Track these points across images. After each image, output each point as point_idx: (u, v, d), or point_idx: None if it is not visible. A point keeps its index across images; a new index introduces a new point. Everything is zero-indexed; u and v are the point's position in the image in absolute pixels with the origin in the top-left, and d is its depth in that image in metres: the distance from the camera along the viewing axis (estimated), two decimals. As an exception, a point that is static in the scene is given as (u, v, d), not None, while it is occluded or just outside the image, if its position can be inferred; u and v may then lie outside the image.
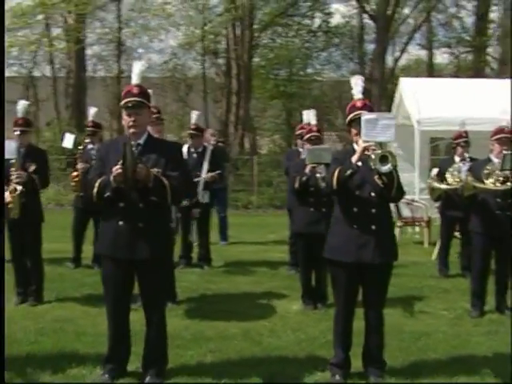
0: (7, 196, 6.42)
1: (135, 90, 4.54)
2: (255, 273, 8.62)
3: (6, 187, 6.45)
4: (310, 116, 7.23)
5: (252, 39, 25.41)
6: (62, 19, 24.89)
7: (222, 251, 10.22)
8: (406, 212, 11.40)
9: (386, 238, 4.53)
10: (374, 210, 4.45)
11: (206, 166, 8.72)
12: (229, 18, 23.89)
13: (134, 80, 4.65)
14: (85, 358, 4.96)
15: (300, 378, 4.64)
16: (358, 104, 4.56)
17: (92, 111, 8.91)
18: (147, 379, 4.54)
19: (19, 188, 6.43)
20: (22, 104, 6.80)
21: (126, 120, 4.54)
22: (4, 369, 3.45)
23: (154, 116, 6.80)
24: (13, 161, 6.46)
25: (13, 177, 6.46)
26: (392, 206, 4.95)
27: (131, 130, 4.52)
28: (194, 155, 8.80)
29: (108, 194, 4.36)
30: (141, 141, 4.55)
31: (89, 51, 27.44)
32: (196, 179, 8.35)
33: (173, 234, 4.80)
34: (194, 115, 8.90)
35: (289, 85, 28.41)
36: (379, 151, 4.12)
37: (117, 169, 4.21)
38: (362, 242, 4.44)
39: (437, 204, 8.88)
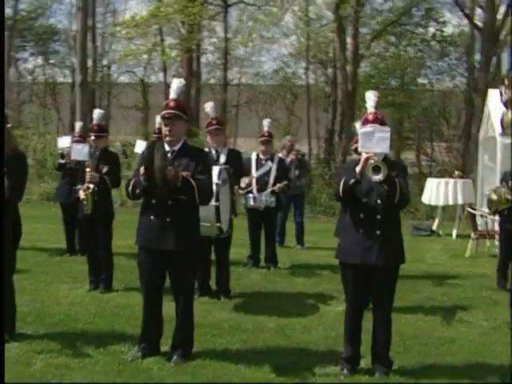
0: (81, 194, 7.25)
1: (172, 104, 5.16)
2: (315, 275, 9.01)
3: (80, 186, 7.29)
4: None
5: (358, 48, 25.61)
6: (175, 28, 26.32)
7: (294, 254, 10.69)
8: (481, 224, 11.35)
9: (391, 242, 4.86)
10: (379, 216, 4.80)
11: (273, 173, 9.24)
12: (334, 28, 24.22)
13: (172, 95, 5.27)
14: (129, 338, 5.58)
15: (310, 370, 5.03)
16: (370, 117, 4.93)
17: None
18: (173, 359, 5.12)
19: (91, 187, 7.23)
20: (97, 112, 7.64)
21: (164, 129, 5.17)
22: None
23: (213, 127, 7.43)
24: (87, 162, 7.29)
25: (87, 177, 7.27)
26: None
27: (167, 138, 5.15)
28: (263, 162, 9.34)
29: (138, 191, 5.03)
30: (176, 148, 5.16)
31: (203, 59, 28.85)
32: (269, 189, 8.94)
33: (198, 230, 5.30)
34: (266, 123, 9.49)
35: (398, 94, 28.37)
36: (372, 161, 4.49)
37: (142, 170, 4.85)
38: (367, 246, 4.81)
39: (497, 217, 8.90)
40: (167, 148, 5.13)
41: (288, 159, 11.23)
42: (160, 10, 23.15)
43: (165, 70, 29.39)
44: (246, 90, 29.50)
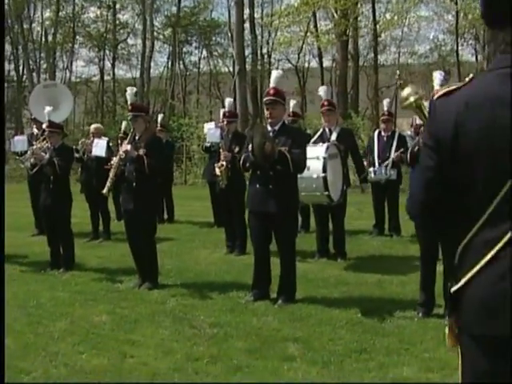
0: (217, 170, 8.55)
1: (272, 91, 6.24)
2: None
3: (216, 164, 8.57)
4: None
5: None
6: (329, 13, 27.20)
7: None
8: None
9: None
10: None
11: (394, 147, 9.98)
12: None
13: (272, 84, 6.33)
14: (248, 287, 6.73)
15: (391, 313, 5.88)
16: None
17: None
18: (278, 302, 6.22)
19: (225, 164, 8.50)
20: (228, 100, 8.94)
21: (266, 113, 6.27)
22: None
23: (325, 108, 8.38)
24: (220, 144, 8.59)
25: (221, 156, 8.55)
26: None
27: (268, 120, 6.24)
28: (384, 138, 10.12)
29: (247, 165, 6.18)
30: (276, 127, 6.24)
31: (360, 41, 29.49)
32: (386, 162, 9.72)
33: (295, 196, 6.32)
34: (386, 102, 10.25)
35: None
36: None
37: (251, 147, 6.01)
38: None
39: None
40: (269, 128, 6.21)
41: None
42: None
43: (320, 55, 30.39)
44: (402, 71, 29.68)
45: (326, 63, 30.64)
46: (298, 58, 29.62)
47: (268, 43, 32.63)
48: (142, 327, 5.64)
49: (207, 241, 10.02)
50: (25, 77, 33.78)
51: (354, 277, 7.42)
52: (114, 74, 38.03)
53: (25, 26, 33.73)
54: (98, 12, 37.51)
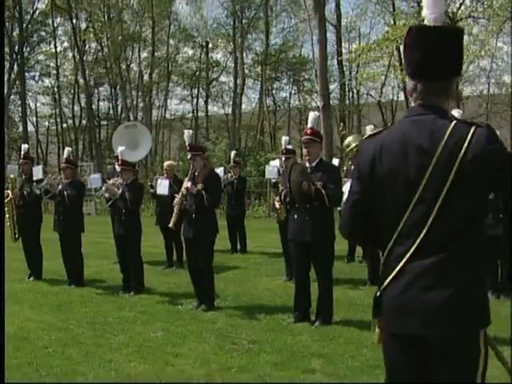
0: (276, 204, 9.13)
1: (309, 131, 6.88)
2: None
3: (275, 198, 9.24)
4: None
5: None
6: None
7: None
8: None
9: None
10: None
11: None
12: None
13: (309, 124, 6.98)
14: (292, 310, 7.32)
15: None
16: None
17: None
18: (316, 323, 6.80)
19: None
20: (284, 138, 9.60)
21: (304, 151, 6.92)
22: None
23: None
24: (279, 179, 9.29)
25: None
26: None
27: (306, 157, 6.88)
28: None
29: (287, 199, 6.86)
30: (313, 164, 6.86)
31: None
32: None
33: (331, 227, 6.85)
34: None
35: None
36: None
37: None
38: None
39: None
40: (307, 164, 6.85)
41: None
42: (392, 33, 24.60)
43: (404, 88, 30.63)
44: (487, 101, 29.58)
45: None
46: (381, 93, 30.04)
47: (356, 78, 33.23)
48: (189, 342, 6.35)
49: (272, 269, 10.67)
50: (123, 115, 35.79)
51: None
52: (207, 110, 39.64)
53: (123, 67, 35.85)
54: (192, 51, 39.44)
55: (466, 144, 2.46)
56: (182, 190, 7.68)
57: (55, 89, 40.98)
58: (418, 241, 2.53)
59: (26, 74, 39.16)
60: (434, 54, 2.58)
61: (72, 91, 41.41)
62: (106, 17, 35.76)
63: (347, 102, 33.90)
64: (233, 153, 13.73)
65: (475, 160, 2.45)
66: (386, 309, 2.66)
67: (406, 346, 2.63)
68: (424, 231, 2.51)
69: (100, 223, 16.14)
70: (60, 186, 9.62)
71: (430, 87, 2.61)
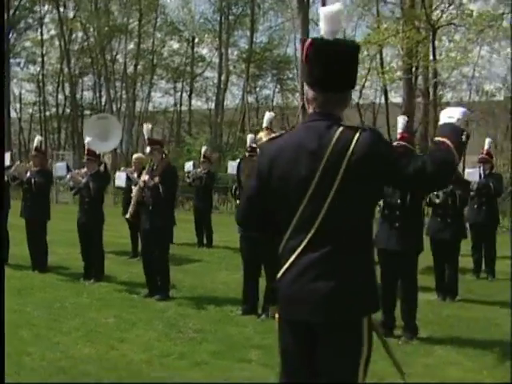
0: None
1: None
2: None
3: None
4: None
5: None
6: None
7: None
8: None
9: None
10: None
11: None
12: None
13: (264, 124, 7.19)
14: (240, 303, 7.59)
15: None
16: None
17: None
18: (262, 316, 7.06)
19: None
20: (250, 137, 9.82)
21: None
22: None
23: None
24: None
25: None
26: None
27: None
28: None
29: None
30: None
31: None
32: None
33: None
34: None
35: None
36: None
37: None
38: None
39: None
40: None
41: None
42: (374, 36, 24.92)
43: (385, 92, 31.07)
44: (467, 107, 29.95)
45: (398, 99, 31.19)
46: (360, 95, 30.41)
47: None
48: (137, 329, 6.62)
49: (232, 264, 10.87)
50: (106, 106, 35.89)
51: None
52: (190, 104, 39.81)
53: (108, 58, 35.94)
54: (177, 45, 39.60)
55: (351, 146, 2.70)
56: (140, 182, 7.93)
57: (40, 76, 40.96)
58: (308, 236, 2.78)
59: (12, 60, 39.08)
60: (333, 68, 2.81)
61: (57, 80, 41.38)
62: (93, 7, 35.81)
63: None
64: (203, 148, 13.95)
65: (361, 161, 2.70)
66: (280, 297, 2.92)
67: (297, 332, 2.88)
68: (314, 227, 2.76)
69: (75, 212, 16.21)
70: (28, 174, 9.83)
71: (327, 98, 2.86)
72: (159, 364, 5.49)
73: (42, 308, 7.44)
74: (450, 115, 2.92)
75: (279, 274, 2.90)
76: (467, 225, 10.03)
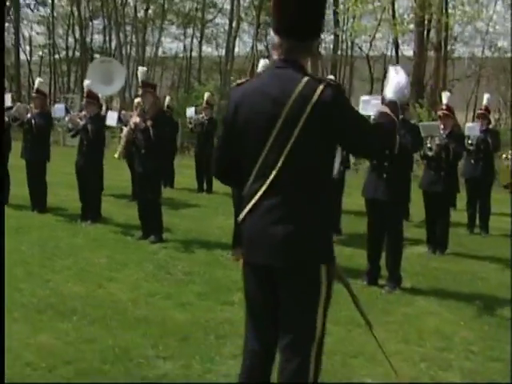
0: None
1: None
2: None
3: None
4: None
5: None
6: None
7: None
8: None
9: None
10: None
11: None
12: None
13: (258, 69, 7.12)
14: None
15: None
16: None
17: None
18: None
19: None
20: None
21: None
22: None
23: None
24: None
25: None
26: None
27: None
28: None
29: None
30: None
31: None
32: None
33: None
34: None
35: None
36: None
37: None
38: None
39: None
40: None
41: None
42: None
43: (396, 44, 30.65)
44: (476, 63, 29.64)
45: (410, 52, 30.77)
46: (370, 46, 30.06)
47: (348, 30, 33.07)
48: (127, 269, 6.78)
49: (230, 210, 10.96)
50: (116, 50, 35.66)
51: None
52: (200, 50, 39.47)
53: (118, 1, 35.55)
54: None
55: (314, 98, 2.74)
56: (130, 123, 7.98)
57: (50, 19, 40.63)
58: (268, 181, 2.83)
59: (22, 1, 38.78)
60: (298, 15, 2.82)
61: (67, 22, 41.06)
62: None
63: (339, 53, 33.76)
64: (206, 94, 13.93)
65: (321, 113, 2.75)
66: (244, 239, 3.00)
67: (258, 275, 2.96)
68: (274, 173, 2.82)
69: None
70: (29, 115, 9.90)
71: (292, 45, 2.87)
72: (145, 303, 5.65)
73: (36, 247, 7.61)
74: (393, 90, 3.22)
75: (240, 217, 2.96)
76: (463, 179, 10.10)
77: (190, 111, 13.55)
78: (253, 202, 2.89)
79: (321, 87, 2.75)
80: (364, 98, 6.17)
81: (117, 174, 12.79)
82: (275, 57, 2.95)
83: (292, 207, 2.83)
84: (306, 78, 2.79)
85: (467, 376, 4.44)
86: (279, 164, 2.81)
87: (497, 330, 5.41)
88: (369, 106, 5.98)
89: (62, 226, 9.07)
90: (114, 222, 9.45)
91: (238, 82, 3.13)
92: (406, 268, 7.07)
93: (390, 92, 3.20)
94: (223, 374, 4.20)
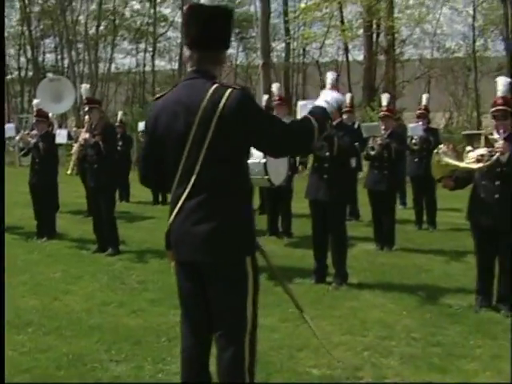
0: None
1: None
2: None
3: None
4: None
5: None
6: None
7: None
8: None
9: None
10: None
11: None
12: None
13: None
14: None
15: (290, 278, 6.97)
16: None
17: None
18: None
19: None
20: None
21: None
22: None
23: (277, 102, 9.37)
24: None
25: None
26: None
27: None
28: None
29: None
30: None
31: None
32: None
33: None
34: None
35: None
36: None
37: None
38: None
39: None
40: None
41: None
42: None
43: (346, 49, 31.22)
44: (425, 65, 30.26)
45: (361, 57, 31.34)
46: (320, 53, 30.57)
47: (298, 38, 33.54)
48: (83, 281, 6.94)
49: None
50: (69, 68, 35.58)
51: (285, 250, 8.52)
52: (153, 65, 39.54)
53: (69, 19, 35.46)
54: (139, 5, 39.13)
55: (222, 103, 2.97)
56: (80, 140, 8.16)
57: (0, 39, 40.23)
58: (189, 185, 3.06)
59: (-29, 22, 38.28)
60: (207, 28, 3.08)
61: (18, 42, 40.77)
62: (52, -33, 35.16)
63: (291, 60, 34.17)
64: (120, 113, 14.70)
65: (230, 117, 2.97)
66: (172, 241, 3.22)
67: (187, 272, 3.20)
68: (194, 177, 3.05)
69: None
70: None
71: (202, 56, 3.13)
72: (98, 312, 5.82)
73: (-8, 265, 7.69)
74: (325, 99, 3.32)
75: (170, 220, 3.18)
76: (408, 178, 10.47)
77: (142, 125, 13.73)
78: (178, 205, 3.11)
79: (227, 93, 2.99)
80: (301, 102, 6.42)
81: (72, 190, 12.90)
82: (188, 69, 3.19)
83: (213, 206, 3.05)
84: (214, 86, 3.02)
85: (407, 361, 4.68)
86: (197, 169, 3.04)
87: (438, 317, 5.68)
88: (306, 111, 6.22)
89: (18, 243, 9.17)
90: (70, 237, 9.57)
91: (157, 95, 3.34)
92: (354, 265, 7.37)
93: (318, 100, 3.39)
94: (174, 373, 4.37)
